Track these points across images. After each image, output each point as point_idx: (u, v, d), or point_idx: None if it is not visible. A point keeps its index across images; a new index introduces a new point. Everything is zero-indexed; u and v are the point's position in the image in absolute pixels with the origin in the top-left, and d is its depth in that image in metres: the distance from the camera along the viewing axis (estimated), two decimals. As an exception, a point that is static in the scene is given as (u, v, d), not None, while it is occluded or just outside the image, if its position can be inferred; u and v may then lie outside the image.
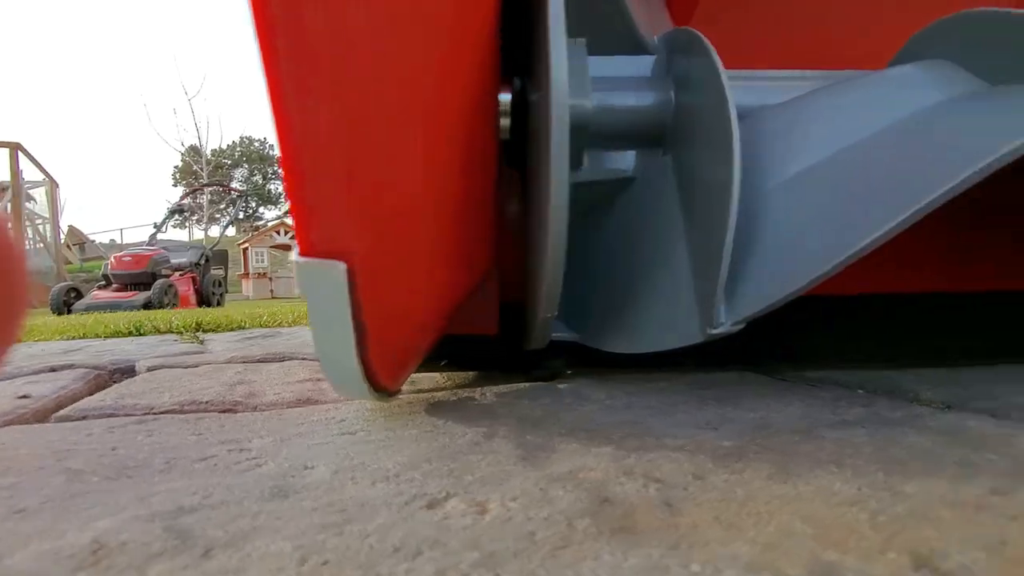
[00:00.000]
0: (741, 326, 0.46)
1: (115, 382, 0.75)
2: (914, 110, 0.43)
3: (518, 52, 0.49)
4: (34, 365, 0.83)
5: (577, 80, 0.48)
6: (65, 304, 5.04)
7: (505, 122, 0.50)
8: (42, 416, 0.53)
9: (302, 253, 0.34)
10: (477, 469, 0.34)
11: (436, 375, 0.69)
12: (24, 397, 0.60)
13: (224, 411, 0.53)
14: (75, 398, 0.61)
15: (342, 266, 0.33)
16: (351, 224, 0.33)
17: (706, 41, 0.46)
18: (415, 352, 0.48)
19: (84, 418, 0.52)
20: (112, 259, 5.58)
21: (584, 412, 0.49)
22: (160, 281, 5.16)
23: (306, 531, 0.26)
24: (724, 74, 0.43)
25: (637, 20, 0.53)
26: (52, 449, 0.40)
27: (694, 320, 0.48)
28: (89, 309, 4.75)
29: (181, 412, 0.52)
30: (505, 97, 0.49)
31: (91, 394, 0.63)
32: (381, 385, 0.43)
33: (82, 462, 0.37)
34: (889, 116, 0.44)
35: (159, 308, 4.61)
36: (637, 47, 0.53)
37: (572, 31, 0.52)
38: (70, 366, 0.81)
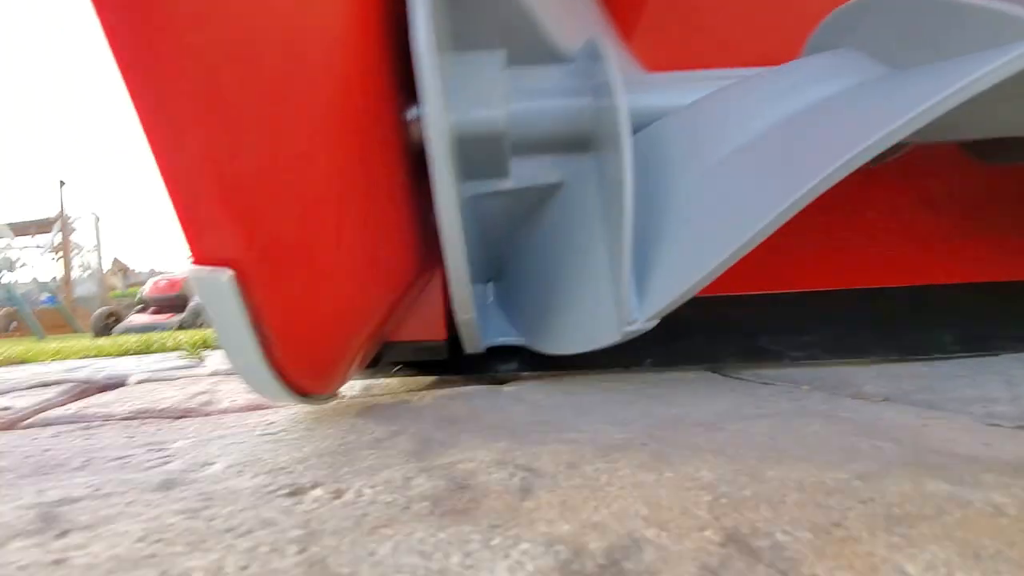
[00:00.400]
0: (655, 322, 0.46)
1: (98, 394, 0.79)
2: (818, 99, 0.43)
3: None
4: (32, 381, 0.88)
5: (486, 92, 0.50)
6: (105, 327, 5.31)
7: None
8: (12, 424, 0.57)
9: (193, 261, 0.36)
10: (361, 462, 0.36)
11: (393, 380, 0.71)
12: (4, 409, 0.64)
13: (173, 417, 0.56)
14: (50, 409, 0.65)
15: (229, 273, 0.35)
16: (236, 232, 0.35)
17: (606, 48, 0.47)
18: (341, 356, 0.49)
19: (46, 425, 0.55)
20: (149, 284, 5.86)
21: (510, 413, 0.50)
22: (193, 304, 5.39)
23: (163, 516, 0.28)
24: (616, 77, 0.44)
25: (557, 32, 0.54)
26: (-7, 451, 0.43)
27: (612, 320, 0.48)
28: (128, 331, 4.98)
29: (132, 419, 0.55)
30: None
31: (66, 404, 0.67)
32: (304, 389, 0.45)
33: (10, 462, 0.40)
34: (791, 108, 0.44)
35: (192, 329, 4.79)
36: (559, 57, 0.55)
37: (490, 44, 0.54)
38: (62, 382, 0.86)
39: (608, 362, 0.73)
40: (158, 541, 0.25)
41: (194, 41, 0.32)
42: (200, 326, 5.00)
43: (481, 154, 0.54)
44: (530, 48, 0.55)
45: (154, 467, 0.37)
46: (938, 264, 0.77)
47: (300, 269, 0.40)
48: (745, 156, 0.45)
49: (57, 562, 0.23)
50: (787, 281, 0.75)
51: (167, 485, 0.33)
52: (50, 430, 0.52)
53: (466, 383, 0.67)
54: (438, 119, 0.40)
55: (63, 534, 0.26)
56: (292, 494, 0.30)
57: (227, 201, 0.34)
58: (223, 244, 0.35)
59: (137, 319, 5.37)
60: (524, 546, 0.23)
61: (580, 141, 0.56)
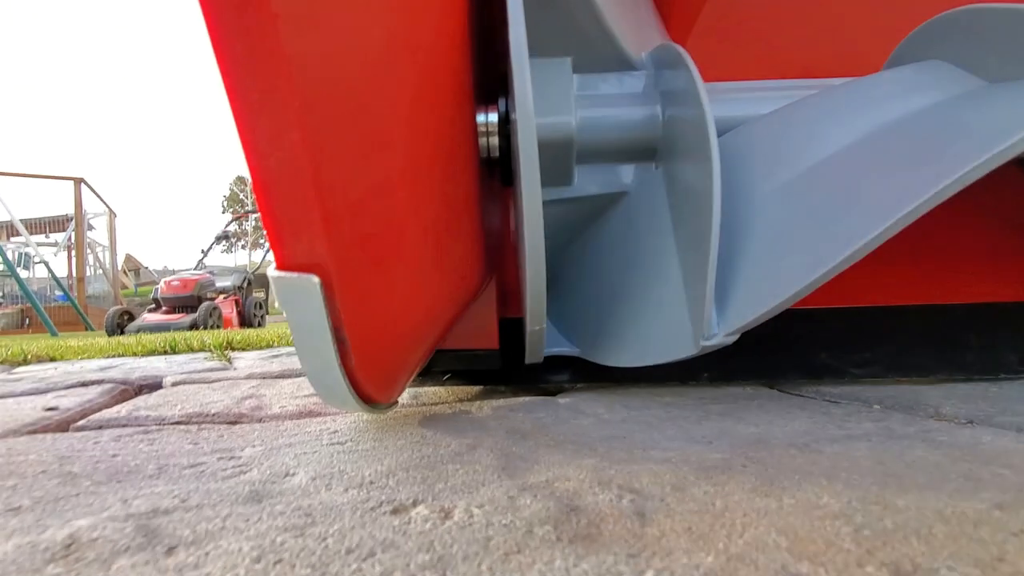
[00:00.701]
0: (735, 337, 0.45)
1: (141, 395, 0.78)
2: (907, 112, 0.42)
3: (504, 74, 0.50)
4: (69, 381, 0.87)
5: (557, 98, 0.49)
6: (118, 326, 5.34)
7: (493, 141, 0.50)
8: (63, 426, 0.56)
9: (277, 267, 0.35)
10: (452, 478, 0.34)
11: (440, 389, 0.70)
12: (51, 409, 0.63)
13: (228, 423, 0.54)
14: (97, 410, 0.64)
15: (316, 280, 0.34)
16: (324, 239, 0.34)
17: (686, 56, 0.46)
18: (406, 365, 0.48)
19: (100, 428, 0.54)
20: (162, 283, 5.89)
21: (577, 425, 0.48)
22: (205, 304, 5.41)
23: (269, 532, 0.27)
24: (702, 87, 0.43)
25: (624, 38, 0.53)
26: (58, 455, 0.42)
27: (687, 332, 0.47)
28: (140, 330, 5.00)
29: (188, 423, 0.54)
30: (492, 117, 0.50)
31: (113, 406, 0.66)
32: (370, 397, 0.44)
33: (80, 467, 0.39)
34: (881, 120, 0.42)
35: (204, 329, 4.80)
36: (625, 64, 0.53)
37: (556, 51, 0.53)
38: (100, 382, 0.85)
39: (662, 376, 0.71)
40: (277, 562, 0.23)
41: (298, 47, 0.31)
42: (211, 327, 5.01)
43: (548, 160, 0.53)
44: (598, 55, 0.54)
45: (232, 476, 0.36)
46: (1001, 281, 0.75)
47: (382, 277, 0.39)
48: (837, 168, 0.44)
49: (178, 583, 0.22)
50: (845, 295, 0.73)
51: (255, 497, 0.32)
52: (107, 433, 0.50)
53: (515, 394, 0.66)
54: (530, 123, 0.39)
55: (170, 551, 0.25)
56: (395, 511, 0.29)
57: (318, 208, 0.33)
58: (310, 250, 0.34)
59: (150, 318, 5.39)
60: (681, 580, 0.21)
61: (647, 150, 0.55)
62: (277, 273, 0.35)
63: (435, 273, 0.45)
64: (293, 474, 0.36)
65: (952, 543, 0.25)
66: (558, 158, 0.53)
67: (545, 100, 0.50)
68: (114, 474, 0.37)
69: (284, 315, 0.37)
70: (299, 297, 0.35)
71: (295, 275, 0.35)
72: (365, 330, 0.40)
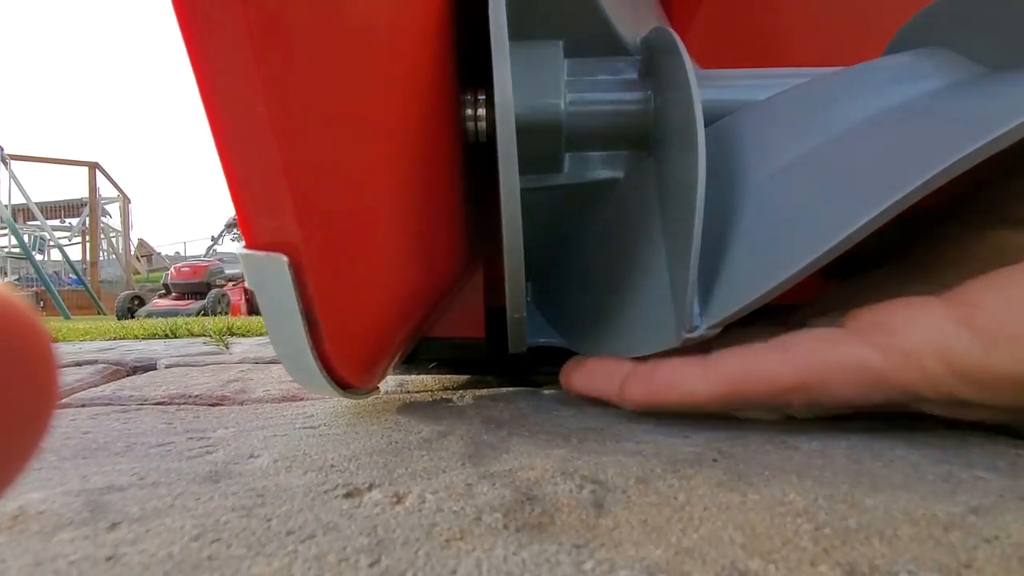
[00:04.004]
0: (717, 330, 0.44)
1: (131, 376, 0.79)
2: (904, 99, 0.40)
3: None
4: (64, 360, 0.88)
5: (545, 80, 0.48)
6: (129, 311, 5.42)
7: (481, 126, 0.49)
8: (48, 403, 0.56)
9: (246, 246, 0.34)
10: (415, 463, 0.34)
11: (427, 378, 0.69)
12: (40, 387, 0.64)
13: (208, 405, 0.54)
14: (83, 389, 0.64)
15: (284, 258, 0.33)
16: (293, 215, 0.33)
17: (676, 39, 0.44)
18: (385, 349, 0.48)
19: (82, 406, 0.54)
20: (172, 269, 5.97)
21: (556, 416, 0.48)
22: (214, 291, 5.48)
23: (216, 512, 0.26)
24: (692, 72, 0.41)
25: (618, 21, 0.52)
26: (32, 430, 0.42)
27: (670, 324, 0.46)
28: (150, 315, 5.07)
29: (169, 404, 0.54)
30: (480, 100, 0.49)
31: (99, 386, 0.67)
32: (347, 382, 0.43)
33: (50, 443, 0.39)
34: (876, 107, 0.41)
35: (213, 316, 4.86)
36: (619, 49, 0.52)
37: (548, 34, 0.52)
38: (95, 362, 0.85)
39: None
40: (215, 541, 0.23)
41: (262, 7, 0.30)
42: (219, 314, 5.07)
43: (537, 146, 0.52)
44: (591, 38, 0.53)
45: (197, 456, 0.36)
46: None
47: (355, 258, 0.39)
48: (827, 155, 0.42)
49: (110, 559, 0.22)
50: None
51: (214, 477, 0.31)
52: (87, 411, 0.51)
53: (501, 384, 0.65)
54: (508, 103, 0.38)
55: (113, 527, 0.25)
56: (349, 495, 0.28)
57: (287, 184, 0.33)
58: (279, 228, 0.34)
59: (160, 303, 5.47)
60: (622, 574, 0.21)
61: (639, 137, 0.54)
62: (245, 252, 0.34)
63: (413, 254, 0.45)
64: (257, 456, 0.36)
65: (917, 546, 0.24)
66: (546, 143, 0.52)
67: (532, 83, 0.49)
68: (81, 450, 0.37)
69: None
70: (268, 277, 0.35)
71: (263, 254, 0.34)
72: (338, 311, 0.39)
